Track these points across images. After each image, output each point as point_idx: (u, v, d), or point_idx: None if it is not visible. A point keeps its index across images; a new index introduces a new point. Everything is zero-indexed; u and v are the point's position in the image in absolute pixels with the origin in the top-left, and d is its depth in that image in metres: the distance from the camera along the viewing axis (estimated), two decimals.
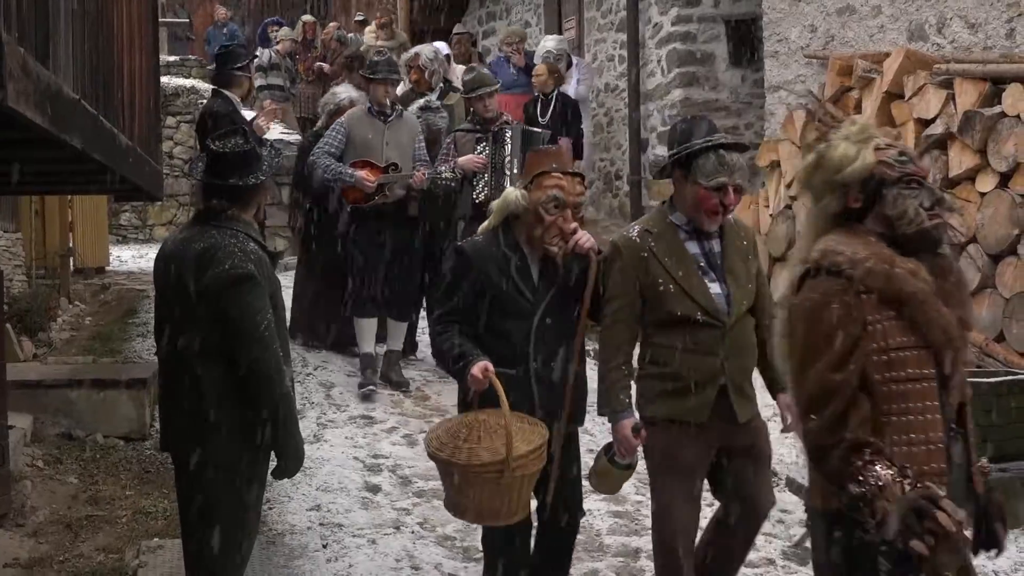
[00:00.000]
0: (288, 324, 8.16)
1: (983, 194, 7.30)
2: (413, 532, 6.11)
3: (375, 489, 6.70)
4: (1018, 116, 7.12)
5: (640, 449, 4.58)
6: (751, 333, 4.63)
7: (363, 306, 8.38)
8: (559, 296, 4.61)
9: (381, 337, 8.68)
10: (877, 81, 8.25)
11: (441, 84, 10.01)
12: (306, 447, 7.07)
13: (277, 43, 16.30)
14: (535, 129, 8.81)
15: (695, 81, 11.47)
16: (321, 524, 6.16)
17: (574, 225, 4.55)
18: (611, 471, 4.63)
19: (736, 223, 4.77)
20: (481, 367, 4.39)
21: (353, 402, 8.20)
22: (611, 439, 4.62)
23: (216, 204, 4.25)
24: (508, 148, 8.19)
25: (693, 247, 4.56)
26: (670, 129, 4.77)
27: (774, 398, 4.77)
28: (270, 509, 6.29)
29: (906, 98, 7.99)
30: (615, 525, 6.28)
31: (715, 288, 4.52)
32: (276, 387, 4.08)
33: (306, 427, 7.54)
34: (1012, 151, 7.09)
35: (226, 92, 9.01)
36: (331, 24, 17.30)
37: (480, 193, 8.15)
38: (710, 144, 4.49)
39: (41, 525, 6.16)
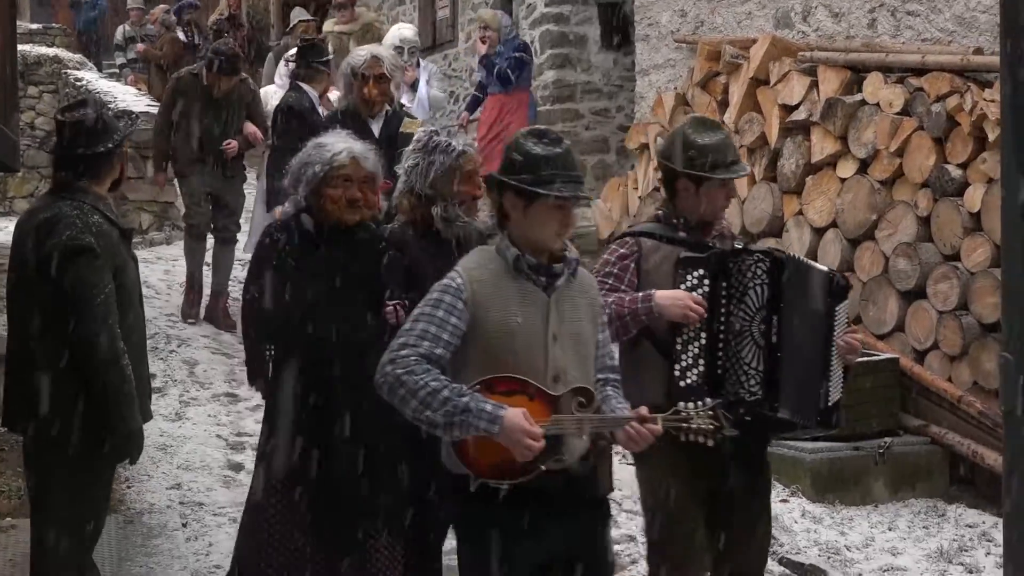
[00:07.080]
0: None
1: (843, 180, 7.48)
2: None
3: (237, 468, 6.63)
4: (878, 104, 7.31)
5: None
6: None
7: None
8: None
9: None
10: (744, 67, 8.38)
11: (387, 106, 6.79)
12: (167, 425, 7.10)
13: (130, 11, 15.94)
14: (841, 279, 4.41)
15: (568, 63, 11.53)
16: (181, 503, 6.08)
17: None
18: None
19: None
20: None
21: (217, 380, 8.07)
22: None
23: (63, 176, 4.20)
24: (760, 297, 4.11)
25: None
26: None
27: None
28: (128, 488, 6.19)
29: (771, 84, 8.14)
30: None
31: None
32: (107, 364, 4.00)
33: (168, 405, 7.43)
34: (872, 138, 7.28)
35: (304, 86, 8.60)
36: (159, 7, 15.49)
37: (689, 372, 4.11)
38: None
39: None
